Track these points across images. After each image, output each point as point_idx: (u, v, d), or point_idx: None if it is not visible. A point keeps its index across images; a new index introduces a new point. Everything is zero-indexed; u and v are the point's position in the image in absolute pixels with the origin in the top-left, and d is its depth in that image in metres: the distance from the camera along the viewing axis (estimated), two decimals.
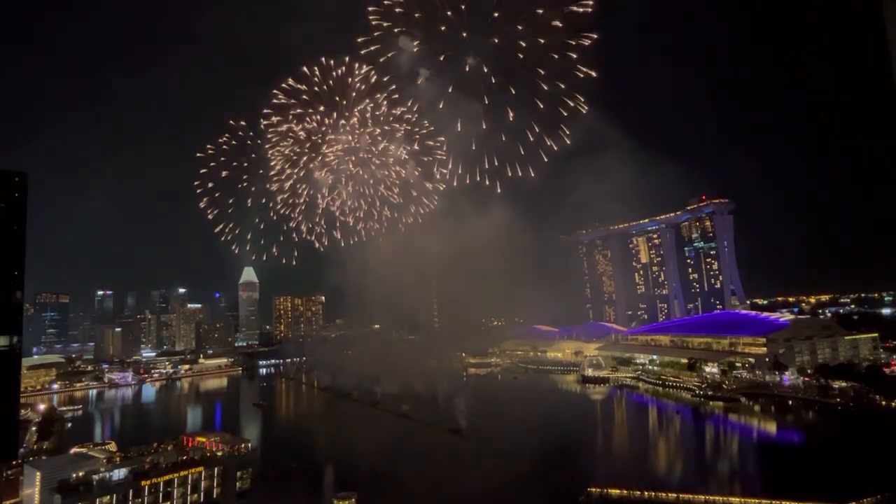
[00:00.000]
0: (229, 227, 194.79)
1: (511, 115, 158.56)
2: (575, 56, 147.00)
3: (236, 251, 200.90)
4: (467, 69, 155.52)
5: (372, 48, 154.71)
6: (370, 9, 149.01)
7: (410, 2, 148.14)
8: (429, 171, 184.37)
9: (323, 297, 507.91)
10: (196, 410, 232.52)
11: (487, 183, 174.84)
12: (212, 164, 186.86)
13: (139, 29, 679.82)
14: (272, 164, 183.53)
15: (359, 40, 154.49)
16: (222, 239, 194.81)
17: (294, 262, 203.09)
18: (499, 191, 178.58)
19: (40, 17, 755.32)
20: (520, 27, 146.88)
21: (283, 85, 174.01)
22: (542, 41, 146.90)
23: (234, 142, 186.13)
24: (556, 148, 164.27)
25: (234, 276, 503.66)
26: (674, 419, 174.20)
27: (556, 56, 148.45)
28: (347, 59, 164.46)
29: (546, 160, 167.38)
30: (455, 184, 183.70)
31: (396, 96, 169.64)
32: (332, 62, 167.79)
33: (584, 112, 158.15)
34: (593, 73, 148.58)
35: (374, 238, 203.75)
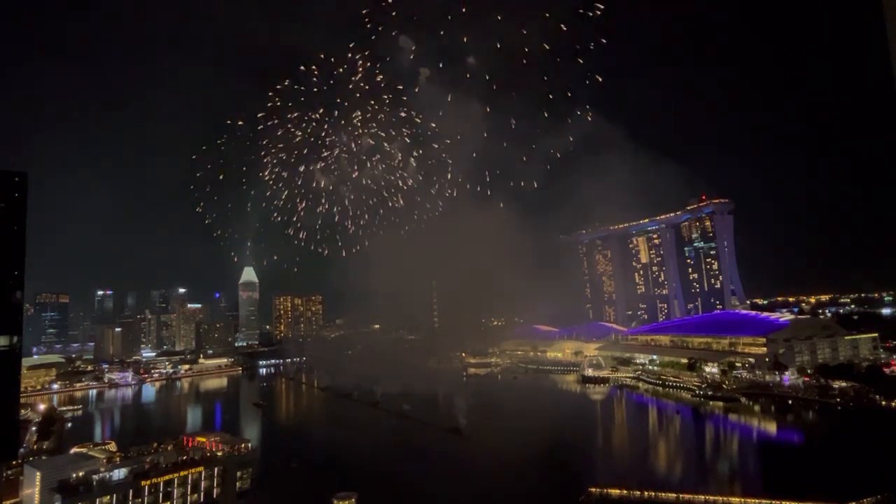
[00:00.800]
0: (228, 231, 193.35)
1: (513, 118, 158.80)
2: (582, 62, 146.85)
3: (235, 259, 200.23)
4: (468, 76, 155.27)
5: (366, 53, 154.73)
6: (364, 11, 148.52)
7: (409, 3, 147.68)
8: (430, 174, 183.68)
9: (321, 297, 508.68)
10: (196, 410, 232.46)
11: (489, 187, 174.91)
12: (208, 166, 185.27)
13: (140, 29, 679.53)
14: (267, 170, 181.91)
15: (350, 45, 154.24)
16: (221, 244, 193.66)
17: (296, 269, 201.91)
18: (499, 192, 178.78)
19: (40, 17, 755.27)
20: (525, 31, 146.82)
21: (278, 86, 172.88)
22: (548, 46, 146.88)
23: (232, 142, 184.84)
24: (559, 155, 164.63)
25: (234, 276, 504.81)
26: (674, 419, 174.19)
27: (559, 59, 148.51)
28: (350, 55, 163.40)
29: (548, 165, 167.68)
30: (456, 186, 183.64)
31: (405, 98, 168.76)
32: (332, 59, 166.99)
33: (590, 118, 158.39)
34: (599, 78, 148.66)
35: (376, 240, 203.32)
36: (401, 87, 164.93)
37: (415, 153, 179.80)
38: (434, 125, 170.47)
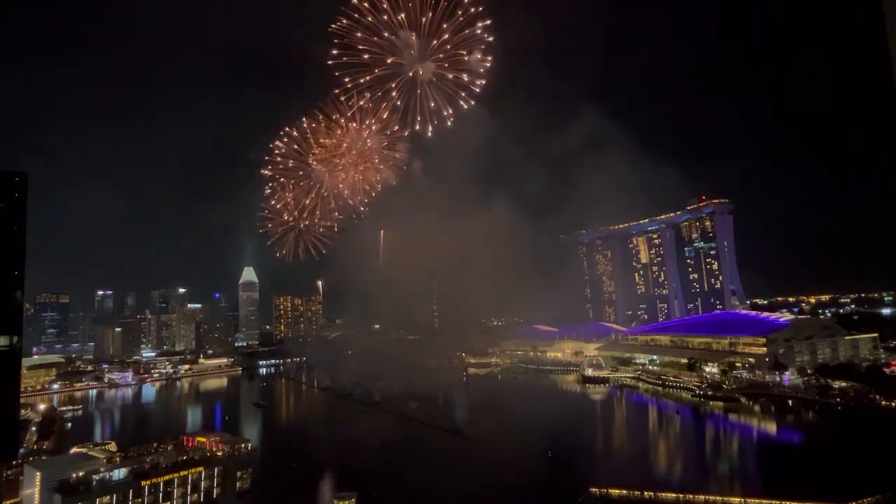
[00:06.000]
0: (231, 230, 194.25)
1: (514, 118, 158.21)
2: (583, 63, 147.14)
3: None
4: (468, 74, 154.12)
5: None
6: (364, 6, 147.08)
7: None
8: (431, 173, 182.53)
9: (321, 297, 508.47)
10: (196, 410, 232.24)
11: (490, 186, 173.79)
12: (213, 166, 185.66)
13: (142, 30, 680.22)
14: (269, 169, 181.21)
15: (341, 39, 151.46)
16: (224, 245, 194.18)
17: (302, 257, 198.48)
18: (500, 192, 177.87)
19: (43, 17, 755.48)
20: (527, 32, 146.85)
21: (284, 90, 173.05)
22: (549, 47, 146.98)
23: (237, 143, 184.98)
24: (559, 155, 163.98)
25: (234, 276, 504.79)
26: (674, 419, 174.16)
27: (560, 60, 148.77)
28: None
29: (549, 165, 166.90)
30: (456, 185, 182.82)
31: (407, 97, 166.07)
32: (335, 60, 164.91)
33: (586, 113, 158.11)
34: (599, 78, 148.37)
35: (376, 240, 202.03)
36: (404, 82, 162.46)
37: (416, 153, 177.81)
38: (435, 124, 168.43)
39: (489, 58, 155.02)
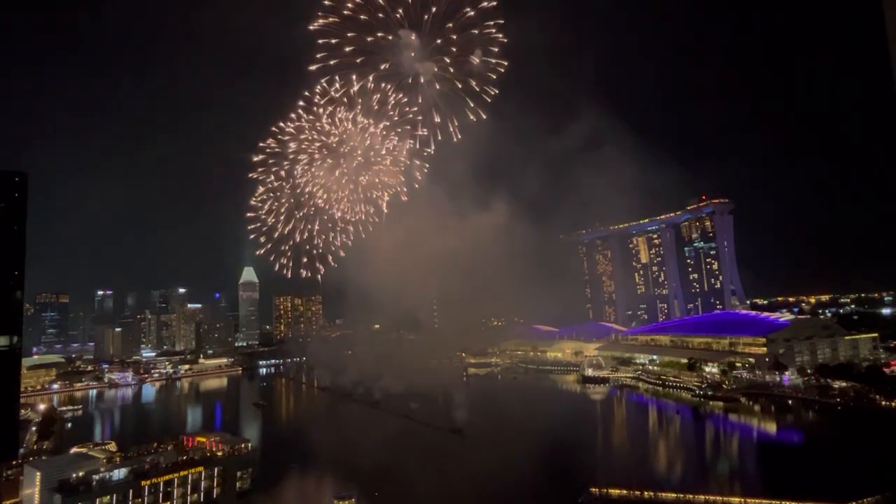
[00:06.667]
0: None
1: (514, 118, 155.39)
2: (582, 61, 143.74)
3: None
4: (472, 75, 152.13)
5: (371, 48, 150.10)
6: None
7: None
8: (431, 173, 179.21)
9: (321, 297, 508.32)
10: (196, 410, 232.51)
11: (490, 186, 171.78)
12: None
13: (143, 30, 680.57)
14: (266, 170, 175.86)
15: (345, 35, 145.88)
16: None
17: (305, 273, 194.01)
18: (500, 192, 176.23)
19: (44, 17, 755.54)
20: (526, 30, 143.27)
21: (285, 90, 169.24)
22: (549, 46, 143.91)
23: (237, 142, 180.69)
24: (559, 154, 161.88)
25: (234, 276, 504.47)
26: (674, 419, 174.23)
27: (560, 59, 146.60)
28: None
29: (549, 165, 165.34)
30: (457, 185, 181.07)
31: (408, 96, 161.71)
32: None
33: (586, 113, 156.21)
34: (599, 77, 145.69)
35: (376, 240, 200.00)
36: (403, 84, 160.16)
37: (415, 151, 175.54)
38: (436, 124, 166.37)
39: (504, 62, 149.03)
